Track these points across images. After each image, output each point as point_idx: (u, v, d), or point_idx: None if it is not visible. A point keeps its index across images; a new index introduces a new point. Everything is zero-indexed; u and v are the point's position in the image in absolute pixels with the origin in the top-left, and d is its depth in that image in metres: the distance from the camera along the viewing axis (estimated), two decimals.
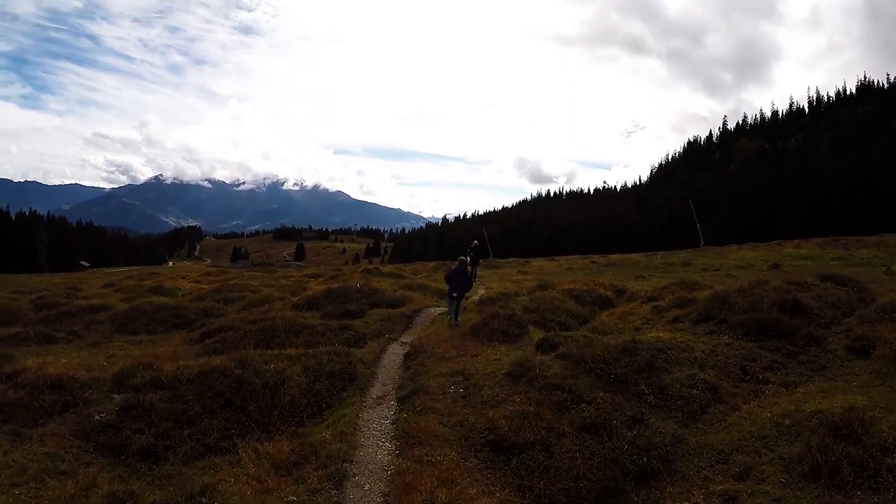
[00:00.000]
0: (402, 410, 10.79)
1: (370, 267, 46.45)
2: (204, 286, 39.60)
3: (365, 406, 11.57)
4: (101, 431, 10.60)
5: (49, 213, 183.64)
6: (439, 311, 21.14)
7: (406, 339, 17.30)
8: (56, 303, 29.84)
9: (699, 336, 14.37)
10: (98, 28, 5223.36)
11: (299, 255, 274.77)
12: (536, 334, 15.73)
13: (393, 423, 10.31)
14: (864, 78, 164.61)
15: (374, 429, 10.18)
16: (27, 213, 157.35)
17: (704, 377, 11.88)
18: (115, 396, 11.93)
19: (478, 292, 27.51)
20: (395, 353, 15.51)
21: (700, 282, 23.70)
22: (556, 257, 63.36)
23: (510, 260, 57.84)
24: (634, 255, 56.38)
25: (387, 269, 47.00)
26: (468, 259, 39.05)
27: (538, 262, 53.77)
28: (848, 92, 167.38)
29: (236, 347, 16.07)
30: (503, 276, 39.07)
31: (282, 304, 24.23)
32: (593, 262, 49.14)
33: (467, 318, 18.26)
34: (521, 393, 10.55)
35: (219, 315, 24.08)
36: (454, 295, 18.36)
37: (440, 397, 10.90)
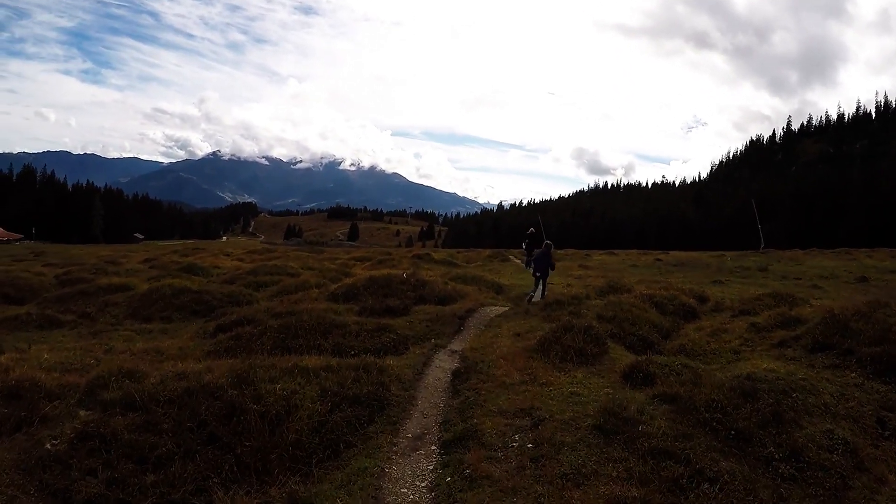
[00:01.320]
0: (446, 469, 7.75)
1: (421, 252, 43.69)
2: (246, 264, 37.59)
3: (396, 452, 8.55)
4: (48, 467, 7.90)
5: (106, 185, 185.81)
6: (496, 312, 18.25)
7: (456, 345, 14.40)
8: (81, 279, 27.87)
9: (819, 371, 11.09)
10: (159, 5, 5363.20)
11: (353, 235, 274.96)
12: (619, 354, 12.69)
13: (432, 490, 7.31)
14: None
15: (405, 499, 7.21)
16: (84, 185, 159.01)
17: (843, 434, 8.61)
18: (81, 414, 9.22)
19: (531, 293, 24.73)
20: (441, 367, 12.55)
21: (796, 295, 20.27)
22: (615, 251, 59.93)
23: (569, 252, 54.48)
24: (702, 255, 52.45)
25: (438, 255, 44.26)
26: (524, 246, 39.41)
27: (599, 256, 50.56)
28: None
29: (251, 347, 13.60)
30: (563, 271, 35.78)
31: (318, 293, 21.51)
32: (658, 259, 45.45)
33: (531, 327, 15.19)
34: (618, 461, 7.32)
35: (245, 302, 21.57)
36: (537, 275, 21.00)
37: (500, 454, 7.78)
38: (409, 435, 9.16)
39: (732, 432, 8.37)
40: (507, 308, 19.12)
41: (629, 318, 15.93)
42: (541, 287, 21.03)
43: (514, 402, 9.46)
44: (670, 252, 58.66)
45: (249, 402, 8.97)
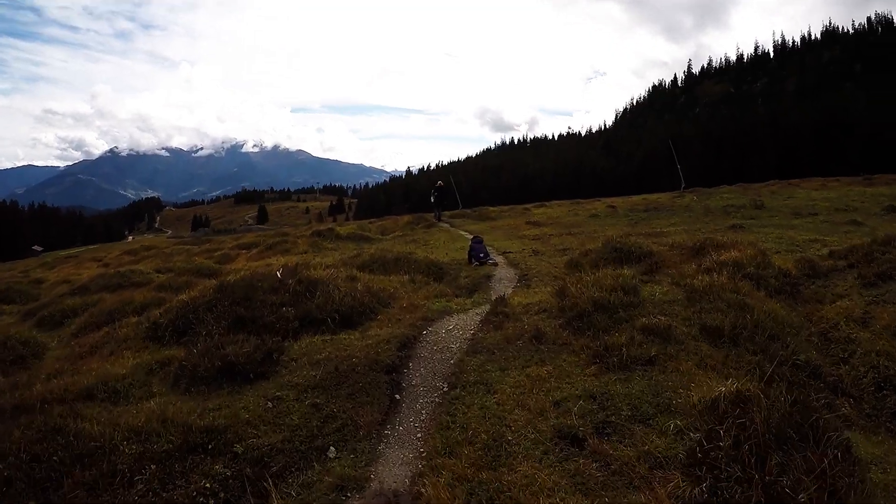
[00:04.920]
0: None
1: (322, 228, 33.81)
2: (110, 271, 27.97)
3: None
4: None
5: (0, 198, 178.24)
6: (460, 331, 9.18)
7: (395, 479, 5.53)
8: None
9: None
10: None
11: (262, 217, 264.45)
12: None
13: None
14: (830, 24, 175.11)
15: None
16: None
17: None
18: None
19: (492, 273, 15.66)
20: None
21: None
22: (545, 203, 51.76)
23: (502, 209, 45.44)
24: (658, 196, 44.63)
25: (345, 228, 35.00)
26: (432, 199, 38.12)
27: (538, 210, 41.96)
28: (813, 37, 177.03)
29: None
30: (510, 232, 27.95)
31: (135, 324, 12.00)
32: (611, 206, 37.19)
33: (584, 391, 6.13)
34: None
35: (11, 361, 12.06)
36: (481, 256, 17.27)
37: None
38: None
39: None
40: (475, 313, 10.41)
41: (757, 325, 7.78)
42: (489, 259, 17.38)
43: None
44: (607, 198, 51.56)
45: None
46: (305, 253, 25.24)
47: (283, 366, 7.82)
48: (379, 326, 9.56)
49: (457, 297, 12.76)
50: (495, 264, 16.86)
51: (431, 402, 6.88)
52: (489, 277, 14.67)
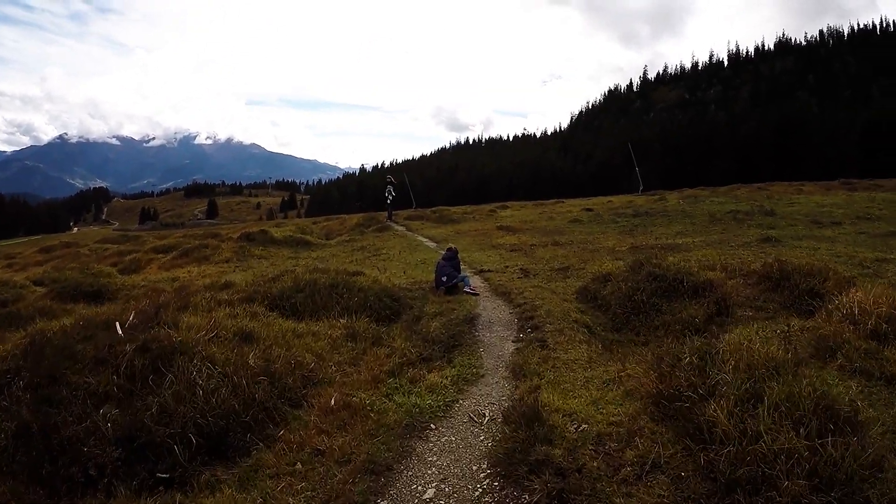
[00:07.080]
0: None
1: (254, 230, 27.60)
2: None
3: None
4: None
5: None
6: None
7: None
8: None
9: None
10: None
11: (211, 212, 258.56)
12: None
13: None
14: (783, 35, 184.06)
15: None
16: None
17: None
18: None
19: (474, 309, 10.73)
20: None
21: None
22: (507, 203, 47.60)
23: (468, 210, 40.56)
24: (634, 199, 40.72)
25: (284, 230, 29.02)
26: (389, 199, 34.93)
27: (507, 212, 37.66)
28: (766, 47, 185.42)
29: None
30: (480, 239, 23.43)
31: None
32: (589, 209, 32.85)
33: None
34: None
35: None
36: (443, 279, 12.68)
37: None
38: None
39: None
40: (466, 420, 5.91)
41: None
42: (464, 284, 12.77)
43: None
44: (572, 200, 48.49)
45: None
46: (227, 262, 20.51)
47: None
48: (276, 476, 4.63)
49: (425, 361, 7.87)
50: (475, 294, 12.06)
51: None
52: (472, 320, 9.66)
